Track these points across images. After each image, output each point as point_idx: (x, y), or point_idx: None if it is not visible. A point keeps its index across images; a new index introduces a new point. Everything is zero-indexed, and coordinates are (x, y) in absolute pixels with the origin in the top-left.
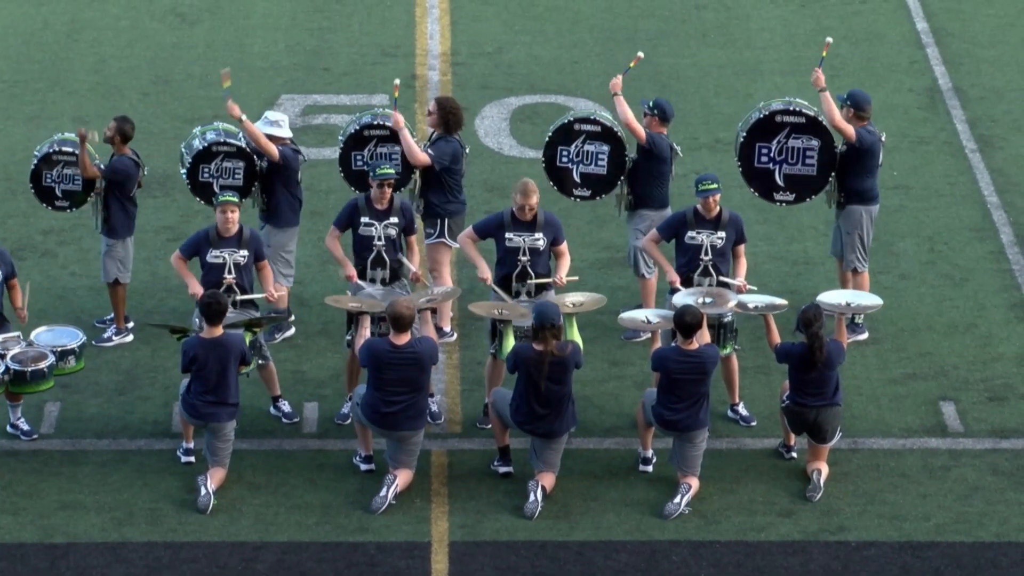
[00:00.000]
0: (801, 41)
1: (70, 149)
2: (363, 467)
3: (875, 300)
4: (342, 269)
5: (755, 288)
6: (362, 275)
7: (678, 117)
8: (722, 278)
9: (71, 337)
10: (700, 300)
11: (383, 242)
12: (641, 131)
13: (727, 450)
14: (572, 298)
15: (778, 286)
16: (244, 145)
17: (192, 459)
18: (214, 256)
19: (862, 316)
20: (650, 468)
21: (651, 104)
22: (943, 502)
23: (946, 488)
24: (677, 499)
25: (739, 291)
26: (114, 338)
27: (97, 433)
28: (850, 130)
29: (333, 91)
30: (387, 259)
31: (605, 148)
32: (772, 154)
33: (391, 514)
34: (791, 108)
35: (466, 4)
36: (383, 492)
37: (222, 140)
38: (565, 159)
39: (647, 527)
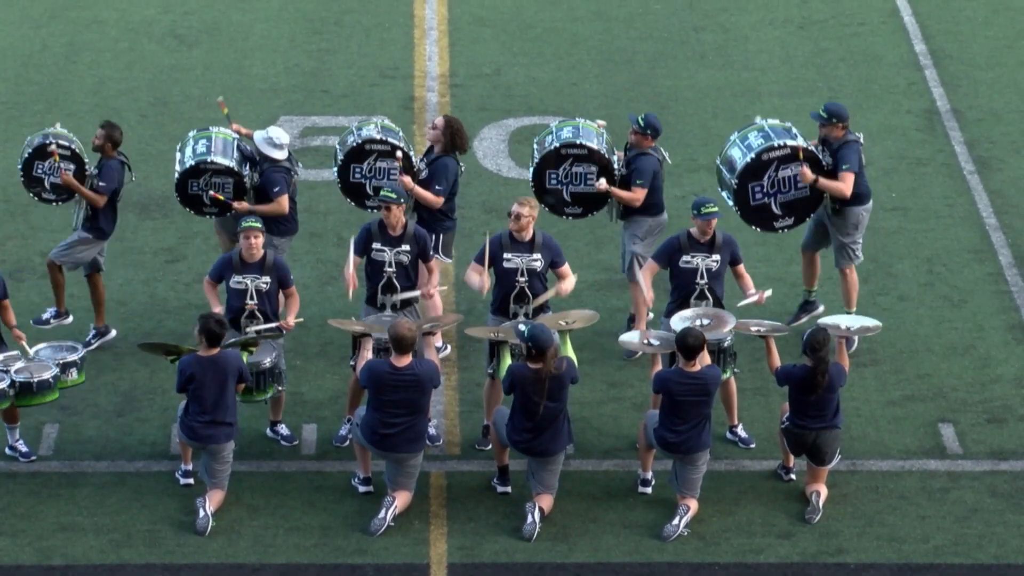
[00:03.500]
0: (799, 63)
1: (65, 143)
2: (361, 489)
3: (874, 323)
4: (347, 289)
5: (769, 292)
6: (372, 300)
7: (676, 138)
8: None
9: (71, 351)
10: (698, 322)
11: (394, 268)
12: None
13: (726, 472)
14: (566, 316)
15: (776, 307)
16: (232, 165)
17: (191, 481)
18: (236, 282)
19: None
20: (649, 490)
21: (642, 123)
22: (942, 524)
23: (945, 510)
24: (676, 521)
25: (759, 303)
26: (52, 321)
27: (95, 455)
28: (848, 186)
29: (332, 113)
30: (398, 285)
31: (593, 169)
32: (765, 189)
33: (390, 536)
34: (775, 144)
35: (464, 26)
36: (382, 514)
37: (208, 160)
38: (554, 181)
39: (646, 549)
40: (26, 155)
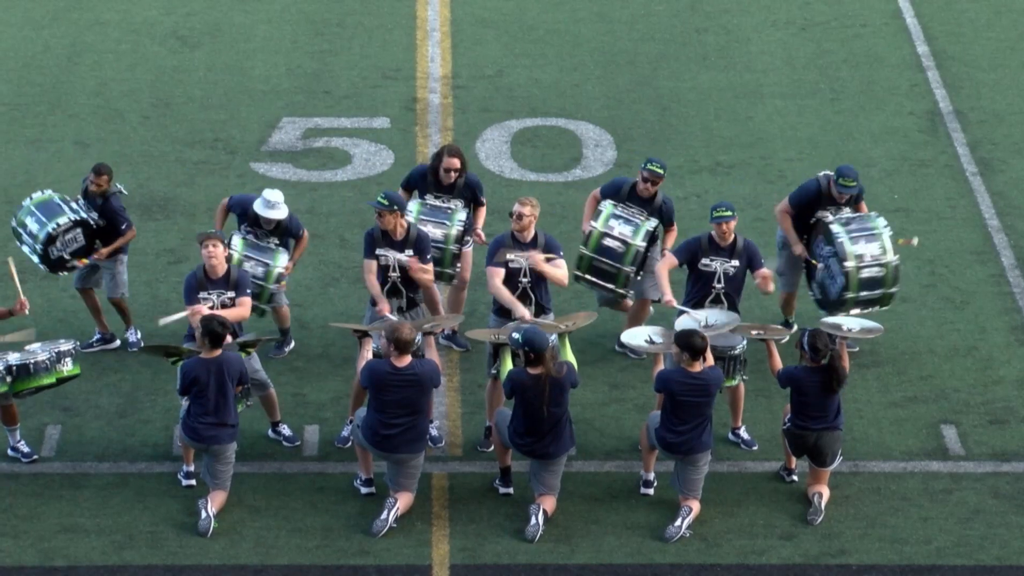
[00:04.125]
0: (801, 64)
1: (64, 221)
2: (363, 490)
3: (876, 326)
4: (378, 303)
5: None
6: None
7: (678, 140)
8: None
9: (65, 343)
10: (702, 323)
11: (398, 273)
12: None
13: (728, 473)
14: (564, 318)
15: (779, 308)
16: (285, 258)
17: (193, 482)
18: (203, 298)
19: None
20: (651, 491)
21: (657, 170)
22: (944, 525)
23: (947, 511)
24: (678, 522)
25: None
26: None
27: (98, 456)
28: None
29: (334, 114)
30: (403, 289)
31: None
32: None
33: (392, 537)
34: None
35: (467, 27)
36: (384, 515)
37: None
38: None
39: (648, 550)
40: (39, 250)
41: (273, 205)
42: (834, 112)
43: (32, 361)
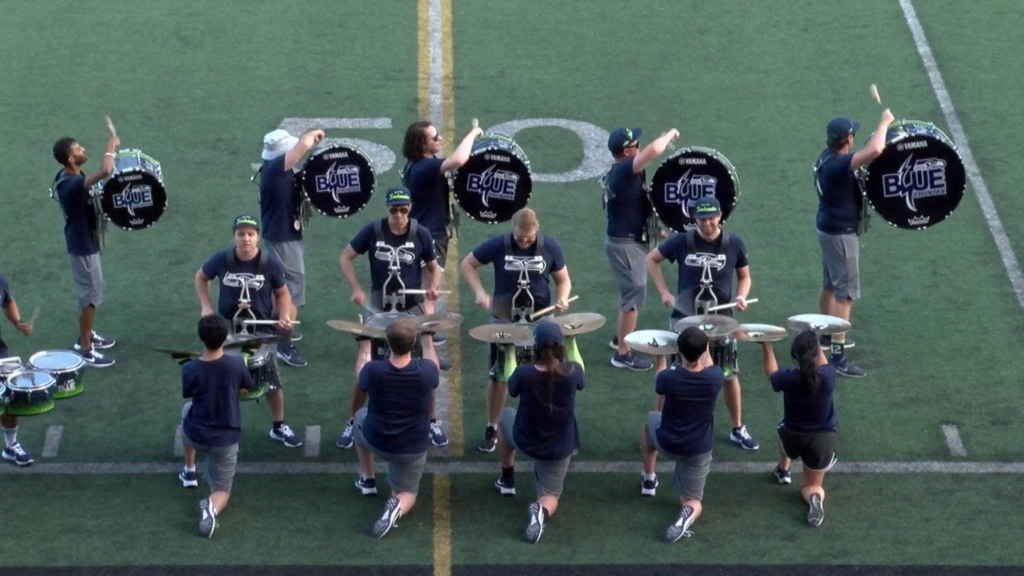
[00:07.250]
0: (803, 65)
1: (130, 169)
2: (365, 491)
3: (844, 323)
4: (351, 291)
5: (755, 300)
6: (377, 301)
7: (680, 140)
8: (721, 307)
9: (70, 361)
10: (703, 327)
11: (398, 267)
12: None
13: (729, 474)
14: (571, 320)
15: (781, 309)
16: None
17: (194, 483)
18: (230, 280)
19: (841, 348)
20: (653, 491)
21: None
22: (946, 526)
23: (949, 512)
24: (679, 523)
25: (738, 308)
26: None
27: (99, 457)
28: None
29: (336, 114)
30: (403, 284)
31: (515, 177)
32: (900, 182)
33: (393, 538)
34: (912, 135)
35: (469, 28)
36: (385, 516)
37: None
38: (475, 185)
39: (650, 551)
40: (102, 194)
41: (273, 144)
42: (836, 113)
43: (30, 391)
